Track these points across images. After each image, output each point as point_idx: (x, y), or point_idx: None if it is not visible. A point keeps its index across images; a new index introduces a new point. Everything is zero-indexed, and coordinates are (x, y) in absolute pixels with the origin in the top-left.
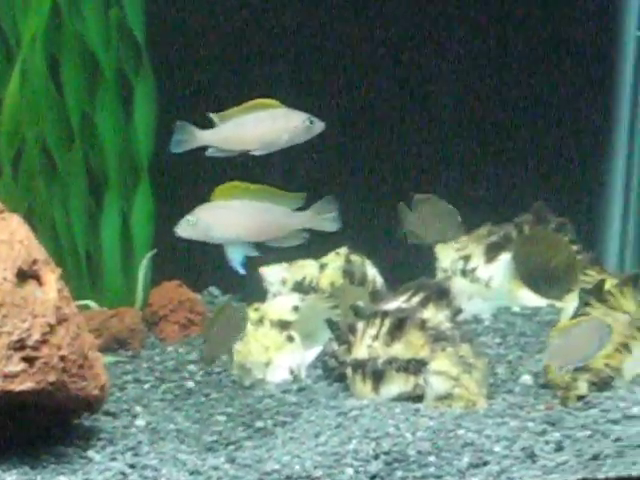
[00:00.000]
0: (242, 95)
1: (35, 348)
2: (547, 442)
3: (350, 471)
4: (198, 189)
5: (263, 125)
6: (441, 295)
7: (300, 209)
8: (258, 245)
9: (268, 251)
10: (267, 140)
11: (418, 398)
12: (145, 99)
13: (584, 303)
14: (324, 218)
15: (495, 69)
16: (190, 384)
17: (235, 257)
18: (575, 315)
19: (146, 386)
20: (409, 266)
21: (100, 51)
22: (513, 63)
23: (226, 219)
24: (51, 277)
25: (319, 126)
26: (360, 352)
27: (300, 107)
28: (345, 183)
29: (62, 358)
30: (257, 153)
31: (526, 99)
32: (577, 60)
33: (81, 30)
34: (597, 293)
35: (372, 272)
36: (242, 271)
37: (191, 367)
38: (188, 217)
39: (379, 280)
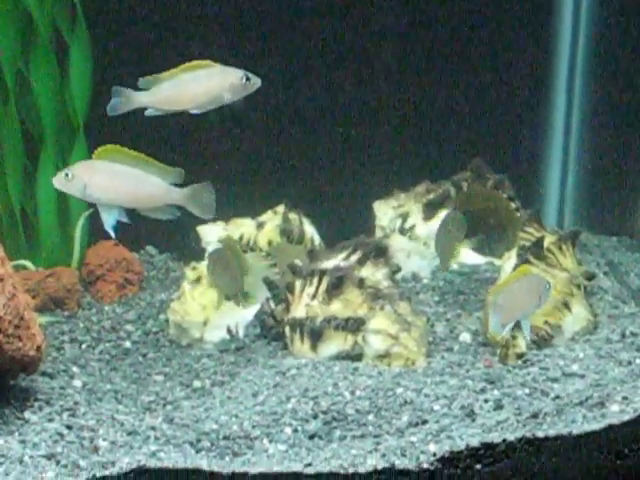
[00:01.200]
0: (177, 54)
1: None
2: (486, 400)
3: (289, 430)
4: (133, 147)
5: (199, 84)
6: (379, 253)
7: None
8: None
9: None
10: (204, 98)
11: (357, 357)
12: (80, 58)
13: (523, 260)
14: (197, 202)
15: (433, 19)
16: (127, 344)
17: (108, 220)
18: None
19: (83, 346)
20: (347, 224)
21: (35, 8)
22: (451, 14)
23: (102, 180)
24: None
25: (256, 82)
26: (298, 311)
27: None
28: (286, 140)
29: None
30: (195, 112)
31: (463, 53)
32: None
33: None
34: (536, 250)
35: (310, 230)
36: (113, 235)
37: (128, 327)
38: (66, 171)
39: (317, 238)
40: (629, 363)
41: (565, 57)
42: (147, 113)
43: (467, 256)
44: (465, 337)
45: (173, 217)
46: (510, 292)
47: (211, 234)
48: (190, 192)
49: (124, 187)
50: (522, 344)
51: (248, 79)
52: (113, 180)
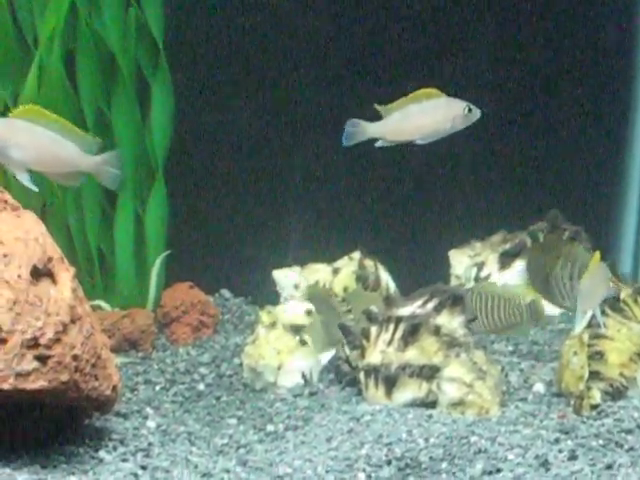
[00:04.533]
0: (263, 96)
1: (48, 347)
2: (560, 450)
3: (362, 476)
4: (212, 192)
5: (426, 115)
6: (456, 301)
7: None
8: None
9: (281, 254)
10: (430, 130)
11: (431, 404)
12: (162, 99)
13: (600, 312)
14: (107, 171)
15: (507, 73)
16: (201, 386)
17: (23, 177)
18: (588, 325)
19: (157, 388)
20: (422, 272)
21: (118, 50)
22: (526, 71)
23: (14, 137)
24: (65, 276)
25: (476, 114)
26: (373, 357)
27: None
28: (364, 187)
29: (75, 357)
30: (420, 142)
31: (542, 105)
32: (594, 66)
33: (99, 29)
34: (612, 302)
35: (385, 277)
36: (34, 188)
37: (202, 369)
38: None
39: (392, 285)
40: None
41: None
42: (378, 144)
43: None
44: (539, 387)
45: (76, 185)
46: (590, 280)
47: (286, 279)
48: (101, 160)
49: (41, 148)
50: (597, 395)
51: (470, 110)
52: (32, 140)
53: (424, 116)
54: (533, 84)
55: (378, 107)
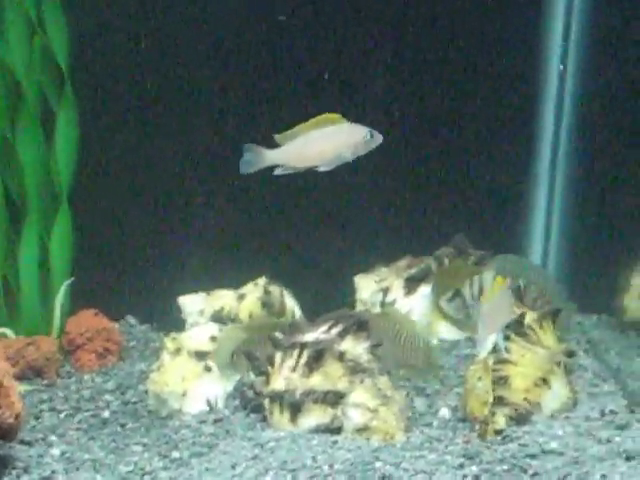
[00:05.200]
0: (168, 122)
1: None
2: (465, 476)
3: None
4: (116, 219)
5: (327, 141)
6: (360, 327)
7: None
8: None
9: (185, 280)
10: (332, 156)
11: (336, 430)
12: (67, 126)
13: (504, 336)
14: None
15: (414, 96)
16: (106, 414)
17: None
18: (493, 350)
19: (62, 415)
20: (328, 297)
21: (22, 76)
22: (433, 92)
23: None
24: None
25: (378, 139)
26: (278, 383)
27: None
28: (269, 213)
29: None
30: (322, 169)
31: (446, 132)
32: (498, 85)
33: (3, 55)
34: (517, 327)
35: (291, 303)
36: None
37: (107, 396)
38: None
39: (297, 311)
40: (608, 441)
41: (549, 131)
42: (276, 172)
43: (447, 332)
44: (444, 412)
45: None
46: (492, 304)
47: (191, 305)
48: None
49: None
50: (501, 420)
51: (372, 135)
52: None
53: (326, 142)
54: (434, 104)
55: (277, 136)
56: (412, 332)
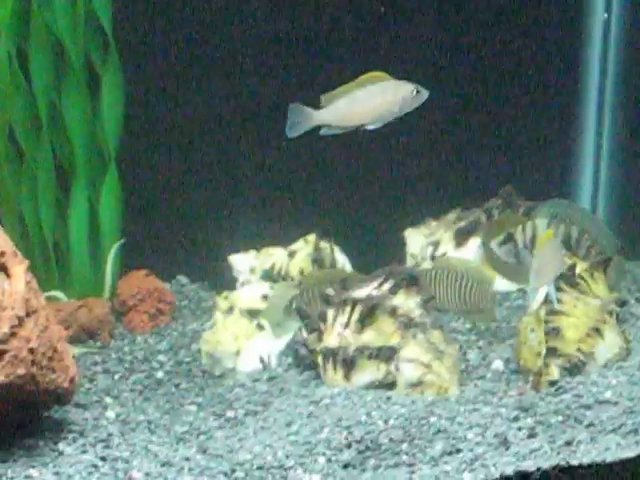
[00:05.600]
0: (212, 86)
1: (3, 341)
2: (520, 428)
3: (322, 460)
4: (165, 179)
5: (374, 99)
6: (411, 282)
7: None
8: None
9: (236, 238)
10: (379, 113)
11: (390, 385)
12: (112, 89)
13: (555, 287)
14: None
15: (458, 51)
16: (160, 374)
17: None
18: (545, 301)
19: (116, 377)
20: (379, 252)
21: (67, 40)
22: (476, 45)
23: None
24: (19, 269)
25: (424, 94)
26: (331, 340)
27: None
28: (318, 169)
29: (31, 351)
30: (370, 127)
31: (491, 84)
32: (543, 33)
33: (48, 19)
34: (568, 277)
35: (342, 259)
36: None
37: (160, 357)
38: None
39: (348, 267)
40: None
41: (595, 79)
42: (322, 132)
43: (497, 283)
44: (498, 365)
45: None
46: (543, 255)
47: (242, 263)
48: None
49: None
50: (555, 371)
51: (418, 92)
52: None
53: (372, 100)
54: (479, 56)
55: (323, 96)
56: (477, 276)
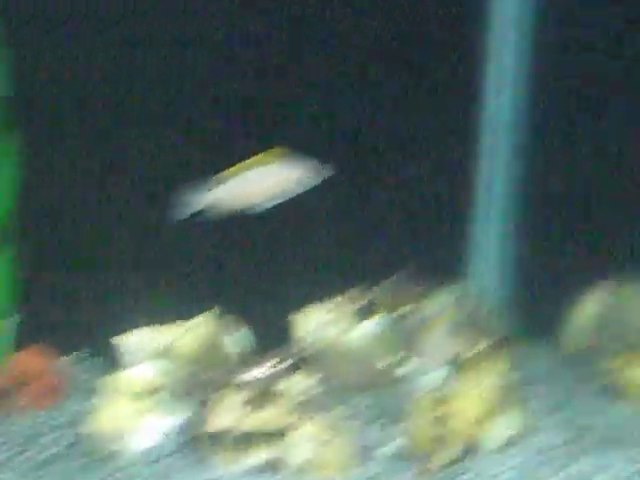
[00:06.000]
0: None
1: None
2: None
3: None
4: (62, 253)
5: (269, 178)
6: (306, 363)
7: None
8: None
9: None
10: (273, 193)
11: (281, 468)
12: (6, 157)
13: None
14: None
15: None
16: (46, 455)
17: None
18: (440, 383)
19: (1, 457)
20: (277, 331)
21: None
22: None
23: None
24: None
25: (322, 172)
26: (221, 421)
27: None
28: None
29: None
30: (263, 207)
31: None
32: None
33: None
34: (463, 358)
35: (240, 337)
36: None
37: (48, 437)
38: None
39: (247, 345)
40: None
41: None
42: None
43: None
44: (393, 446)
45: None
46: (437, 335)
47: (135, 342)
48: None
49: None
50: (449, 456)
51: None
52: None
53: (267, 179)
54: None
55: (215, 177)
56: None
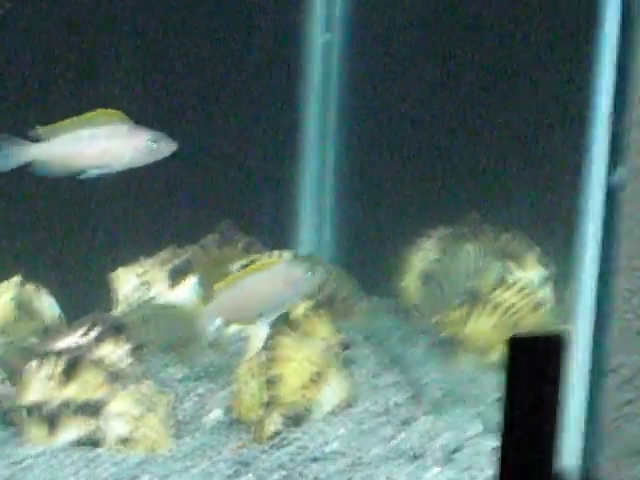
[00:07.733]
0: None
1: None
2: None
3: None
4: None
5: (100, 141)
6: (119, 329)
7: None
8: None
9: None
10: (108, 158)
11: (98, 442)
12: None
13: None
14: None
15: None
16: None
17: None
18: (266, 343)
19: None
20: (88, 294)
21: None
22: None
23: None
24: None
25: (168, 147)
26: (33, 394)
27: None
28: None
29: None
30: (93, 174)
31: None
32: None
33: None
34: (290, 318)
35: (48, 303)
36: None
37: None
38: None
39: (56, 312)
40: (393, 438)
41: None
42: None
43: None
44: (216, 415)
45: None
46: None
47: None
48: None
49: None
50: (277, 421)
51: (155, 143)
52: None
53: (99, 142)
54: None
55: (40, 128)
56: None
